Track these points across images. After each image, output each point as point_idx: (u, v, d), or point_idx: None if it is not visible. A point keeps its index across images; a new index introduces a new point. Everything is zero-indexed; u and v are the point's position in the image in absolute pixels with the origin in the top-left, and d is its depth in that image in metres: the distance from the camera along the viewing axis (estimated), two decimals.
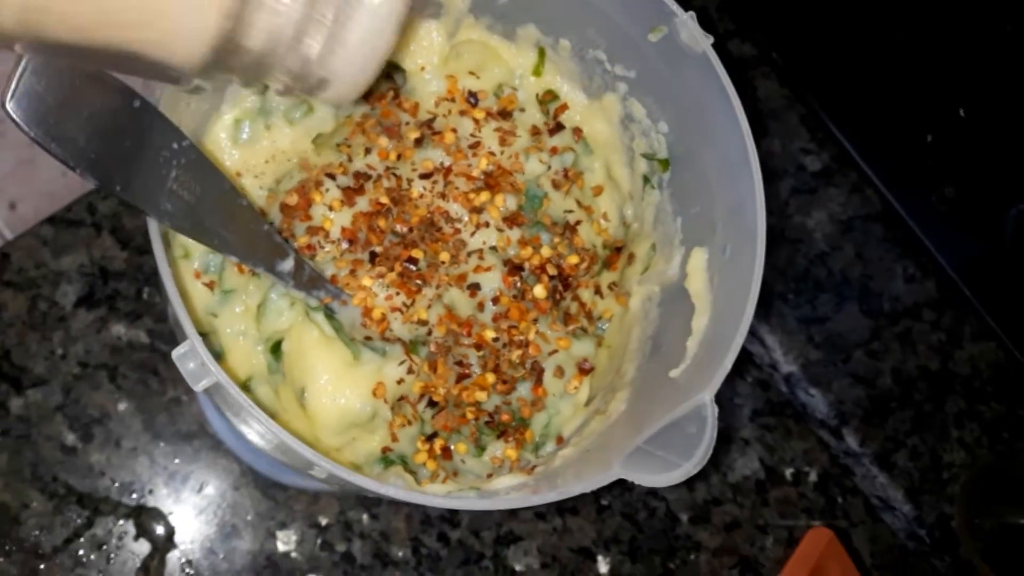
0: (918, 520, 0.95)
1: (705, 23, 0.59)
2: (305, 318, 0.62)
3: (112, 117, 0.49)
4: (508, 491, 0.59)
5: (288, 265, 0.61)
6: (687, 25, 0.60)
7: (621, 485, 0.83)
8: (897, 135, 0.99)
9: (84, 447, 0.84)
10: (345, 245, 0.64)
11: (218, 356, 0.63)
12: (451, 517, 0.87)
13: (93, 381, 0.85)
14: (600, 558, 0.91)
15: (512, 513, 0.89)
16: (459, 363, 0.65)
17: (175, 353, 0.48)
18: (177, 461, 0.85)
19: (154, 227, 0.52)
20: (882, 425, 0.98)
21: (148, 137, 0.52)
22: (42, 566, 0.83)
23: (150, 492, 0.84)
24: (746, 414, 0.97)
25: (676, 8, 0.60)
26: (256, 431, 0.57)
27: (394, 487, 0.49)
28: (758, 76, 1.02)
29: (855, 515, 0.96)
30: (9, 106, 0.43)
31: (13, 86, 0.43)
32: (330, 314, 0.63)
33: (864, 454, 0.97)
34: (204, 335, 0.63)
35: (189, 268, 0.63)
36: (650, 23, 0.62)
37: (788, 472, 0.97)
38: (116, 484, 0.84)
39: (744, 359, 0.95)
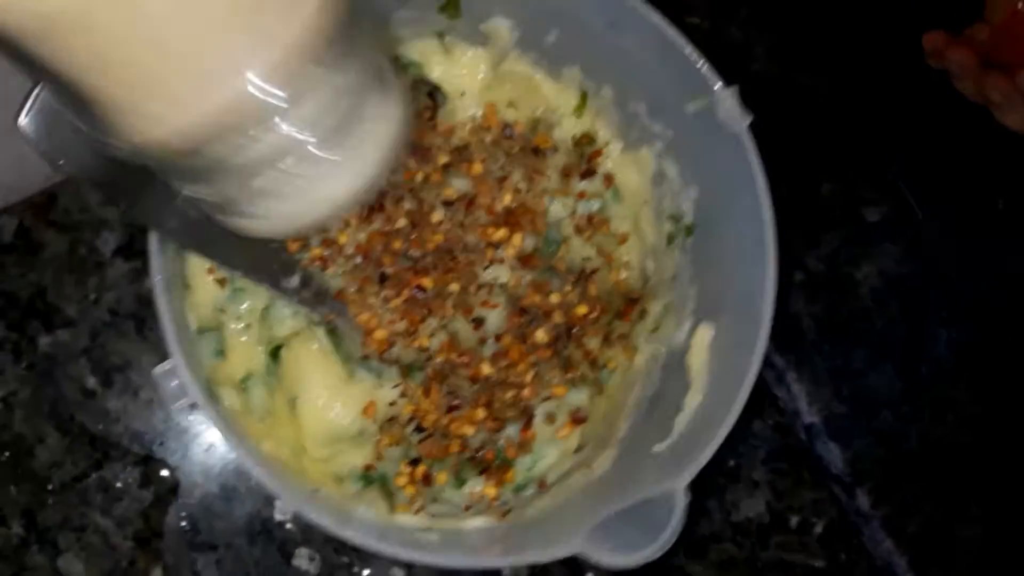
0: None
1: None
2: (307, 329, 0.63)
3: None
4: (476, 533, 0.60)
5: (294, 282, 0.62)
6: (725, 102, 0.58)
7: None
8: (967, 197, 0.95)
9: (103, 392, 0.86)
10: (358, 260, 0.65)
11: (219, 353, 0.64)
12: None
13: (120, 329, 0.87)
14: None
15: None
16: (452, 393, 0.66)
17: (157, 370, 0.50)
18: (190, 419, 0.86)
19: (155, 242, 0.53)
20: (898, 489, 0.96)
21: None
22: (49, 500, 0.87)
23: (160, 444, 0.87)
24: (760, 456, 0.96)
25: (716, 82, 0.58)
26: None
27: (358, 529, 0.50)
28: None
29: (857, 573, 0.95)
30: (22, 123, 0.44)
31: (30, 104, 0.44)
32: (331, 330, 0.64)
33: (874, 516, 0.95)
34: (209, 330, 0.65)
35: (203, 263, 0.64)
36: (691, 91, 0.60)
37: (794, 520, 0.96)
38: (129, 432, 0.86)
39: (767, 401, 0.93)
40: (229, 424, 0.51)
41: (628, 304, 0.71)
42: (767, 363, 0.87)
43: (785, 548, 0.94)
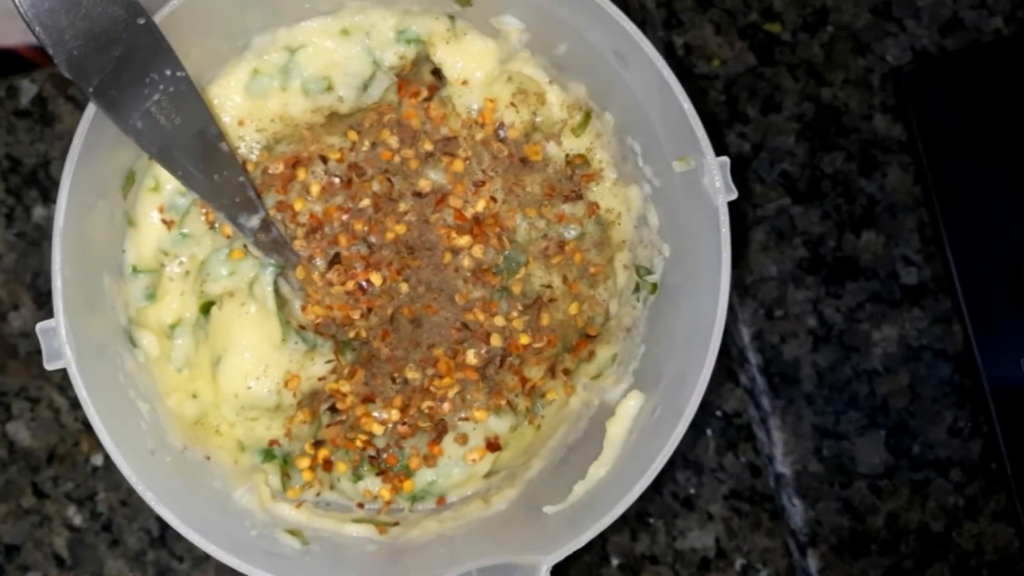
0: None
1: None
2: (243, 290, 0.62)
3: (110, 23, 0.50)
4: (352, 543, 0.59)
5: (253, 222, 0.60)
6: (712, 172, 0.53)
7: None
8: (1014, 285, 0.88)
9: None
10: (311, 231, 0.63)
11: (150, 296, 0.63)
12: None
13: None
14: None
15: None
16: (370, 384, 0.64)
17: (40, 325, 0.49)
18: None
19: (80, 136, 0.51)
20: (852, 563, 0.92)
21: (140, 55, 0.52)
22: (11, 365, 0.88)
23: None
24: (723, 491, 0.93)
25: (707, 150, 0.53)
26: None
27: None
28: (893, 163, 0.90)
29: None
30: None
31: None
32: (277, 288, 0.62)
33: None
34: (145, 271, 0.63)
35: (154, 200, 0.63)
36: (681, 149, 0.55)
37: (739, 562, 0.93)
38: None
39: (745, 439, 0.90)
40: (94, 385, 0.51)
41: (582, 340, 0.67)
42: (754, 402, 0.83)
43: None
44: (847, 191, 0.84)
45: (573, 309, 0.66)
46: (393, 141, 0.65)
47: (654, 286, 0.62)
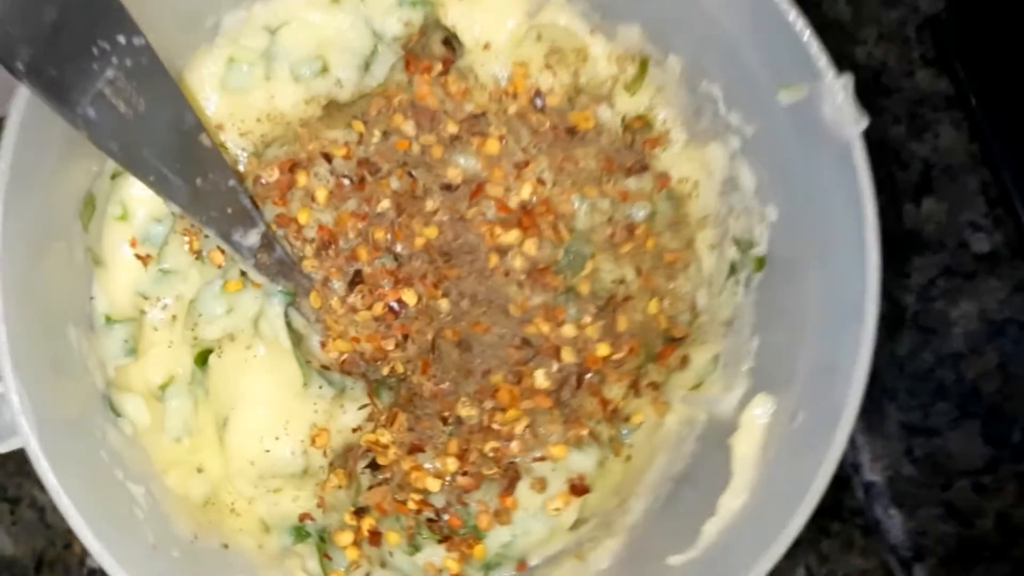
0: None
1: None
2: (247, 331, 0.49)
3: None
4: None
5: (251, 239, 0.48)
6: (836, 96, 0.41)
7: None
8: None
9: None
10: (321, 248, 0.50)
11: (131, 351, 0.50)
12: None
13: None
14: None
15: None
16: (416, 430, 0.51)
17: None
18: None
19: (9, 146, 0.37)
20: (964, 575, 0.80)
21: (83, 17, 0.39)
22: None
23: None
24: None
25: (827, 68, 0.41)
26: None
27: None
28: (944, 121, 0.81)
29: None
30: None
31: None
32: (288, 321, 0.49)
33: None
34: (121, 321, 0.50)
35: (124, 232, 0.50)
36: (788, 76, 0.43)
37: None
38: None
39: None
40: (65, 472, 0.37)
41: (668, 345, 0.54)
42: None
43: None
44: (898, 158, 0.76)
45: (653, 308, 0.54)
46: (409, 127, 0.52)
47: (759, 261, 0.49)
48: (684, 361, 0.53)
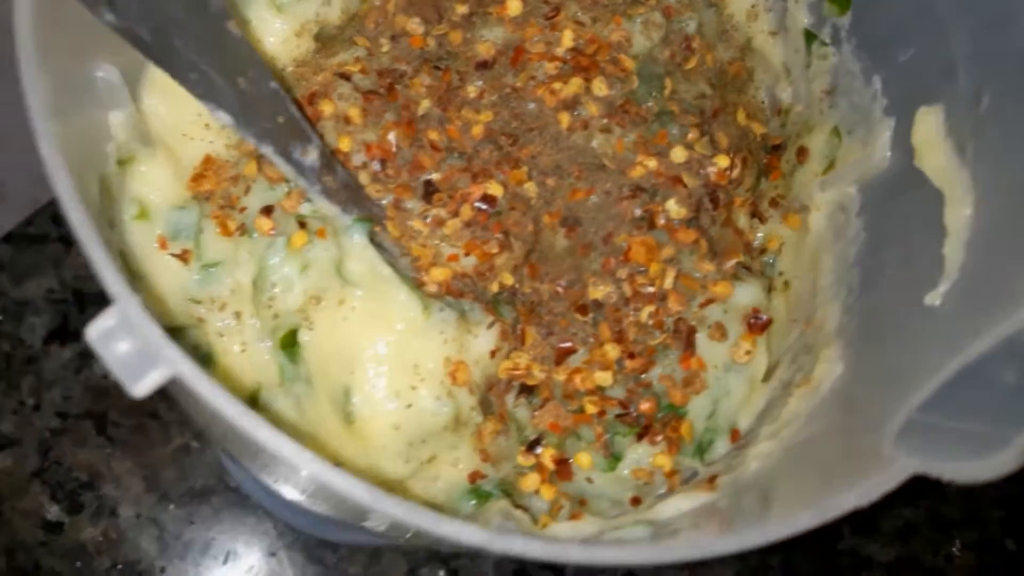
0: None
1: None
2: (335, 278, 0.40)
3: None
4: (685, 521, 0.36)
5: (312, 156, 0.40)
6: None
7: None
8: None
9: (72, 521, 0.65)
10: (376, 167, 0.42)
11: (205, 360, 0.41)
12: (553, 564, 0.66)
13: (77, 435, 0.67)
14: None
15: None
16: (551, 333, 0.43)
17: (92, 330, 0.26)
18: (194, 525, 0.66)
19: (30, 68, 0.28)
20: None
21: None
22: None
23: (162, 571, 0.65)
24: None
25: None
26: (280, 475, 0.35)
27: (508, 534, 0.27)
28: None
29: None
30: None
31: None
32: (378, 245, 0.41)
33: None
34: (180, 329, 0.41)
35: (150, 233, 0.41)
36: None
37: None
38: (118, 566, 0.65)
39: None
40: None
41: (772, 156, 0.48)
42: None
43: (969, 496, 0.73)
44: None
45: (741, 118, 0.48)
46: (415, 25, 0.46)
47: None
48: (802, 155, 0.48)
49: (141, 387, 0.26)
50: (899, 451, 0.30)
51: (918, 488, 0.74)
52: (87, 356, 0.69)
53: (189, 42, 0.34)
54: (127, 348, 0.26)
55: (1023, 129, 0.36)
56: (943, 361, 0.33)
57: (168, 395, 0.31)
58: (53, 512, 0.65)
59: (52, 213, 0.72)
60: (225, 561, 0.66)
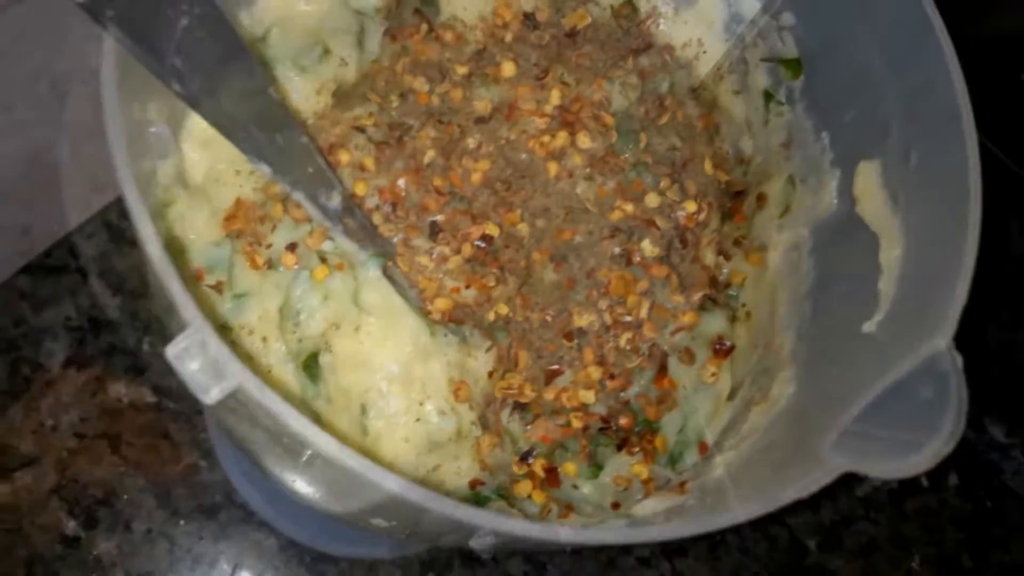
0: None
1: None
2: (351, 307, 0.46)
3: None
4: (658, 519, 0.42)
5: (336, 200, 0.46)
6: None
7: None
8: None
9: (88, 535, 0.68)
10: (388, 209, 0.48)
11: None
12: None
13: (92, 454, 0.70)
14: None
15: (610, 562, 0.72)
16: (541, 356, 0.49)
17: (171, 349, 0.31)
18: (203, 540, 0.69)
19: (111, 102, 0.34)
20: None
21: None
22: None
23: None
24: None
25: None
26: (303, 469, 0.40)
27: (509, 517, 0.32)
28: None
29: (1010, 520, 0.78)
30: None
31: None
32: (390, 278, 0.47)
33: (1013, 445, 0.80)
34: None
35: (188, 268, 0.47)
36: None
37: (923, 477, 0.80)
38: None
39: None
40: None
41: (735, 200, 0.55)
42: None
43: (925, 512, 0.78)
44: None
45: (708, 167, 0.54)
46: (421, 83, 0.52)
47: (795, 65, 0.51)
48: (761, 200, 0.54)
49: (211, 396, 0.31)
50: (835, 455, 0.36)
51: (879, 505, 0.80)
52: (102, 380, 0.73)
53: (240, 107, 0.40)
54: (198, 365, 0.31)
55: (942, 183, 0.42)
56: (875, 380, 0.38)
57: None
58: (71, 527, 0.68)
59: (70, 246, 0.77)
60: (232, 573, 0.69)
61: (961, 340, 0.76)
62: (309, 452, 0.33)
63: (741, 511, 0.33)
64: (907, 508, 0.80)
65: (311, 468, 0.38)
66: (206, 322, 0.31)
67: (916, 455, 0.35)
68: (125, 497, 0.68)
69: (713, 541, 0.74)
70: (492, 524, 0.31)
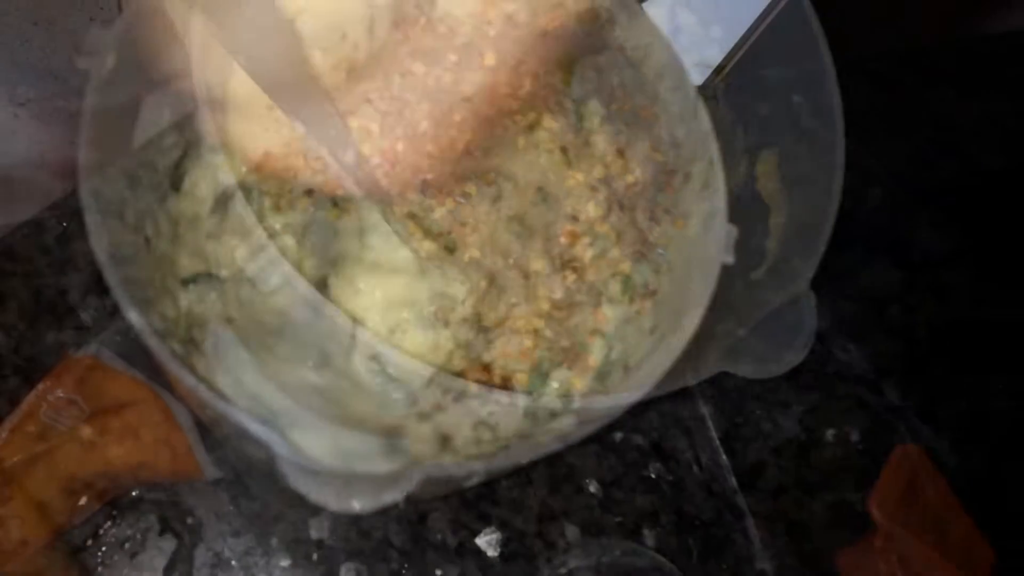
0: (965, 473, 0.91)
1: None
2: (357, 241, 0.58)
3: None
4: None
5: (350, 156, 0.56)
6: None
7: (663, 455, 0.79)
8: None
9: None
10: (388, 167, 0.60)
11: None
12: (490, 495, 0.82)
13: None
14: (646, 531, 0.86)
15: (554, 488, 0.84)
16: (504, 291, 0.61)
17: None
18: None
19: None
20: (921, 377, 0.95)
21: None
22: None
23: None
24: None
25: None
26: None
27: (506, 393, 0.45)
28: None
29: None
30: None
31: None
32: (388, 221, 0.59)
33: (907, 407, 0.93)
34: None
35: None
36: None
37: (829, 433, 0.94)
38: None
39: None
40: None
41: (667, 176, 0.67)
42: None
43: (830, 461, 0.91)
44: None
45: (647, 149, 0.67)
46: (418, 67, 0.64)
47: (719, 71, 0.64)
48: (687, 177, 0.67)
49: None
50: (721, 362, 0.49)
51: (786, 454, 0.91)
52: None
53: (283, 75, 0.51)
54: None
55: (816, 171, 0.55)
56: (757, 311, 0.52)
57: None
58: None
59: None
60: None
61: (865, 321, 0.90)
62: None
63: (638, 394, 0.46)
64: (812, 458, 0.93)
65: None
66: None
67: (778, 362, 0.48)
68: None
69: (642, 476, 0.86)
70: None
